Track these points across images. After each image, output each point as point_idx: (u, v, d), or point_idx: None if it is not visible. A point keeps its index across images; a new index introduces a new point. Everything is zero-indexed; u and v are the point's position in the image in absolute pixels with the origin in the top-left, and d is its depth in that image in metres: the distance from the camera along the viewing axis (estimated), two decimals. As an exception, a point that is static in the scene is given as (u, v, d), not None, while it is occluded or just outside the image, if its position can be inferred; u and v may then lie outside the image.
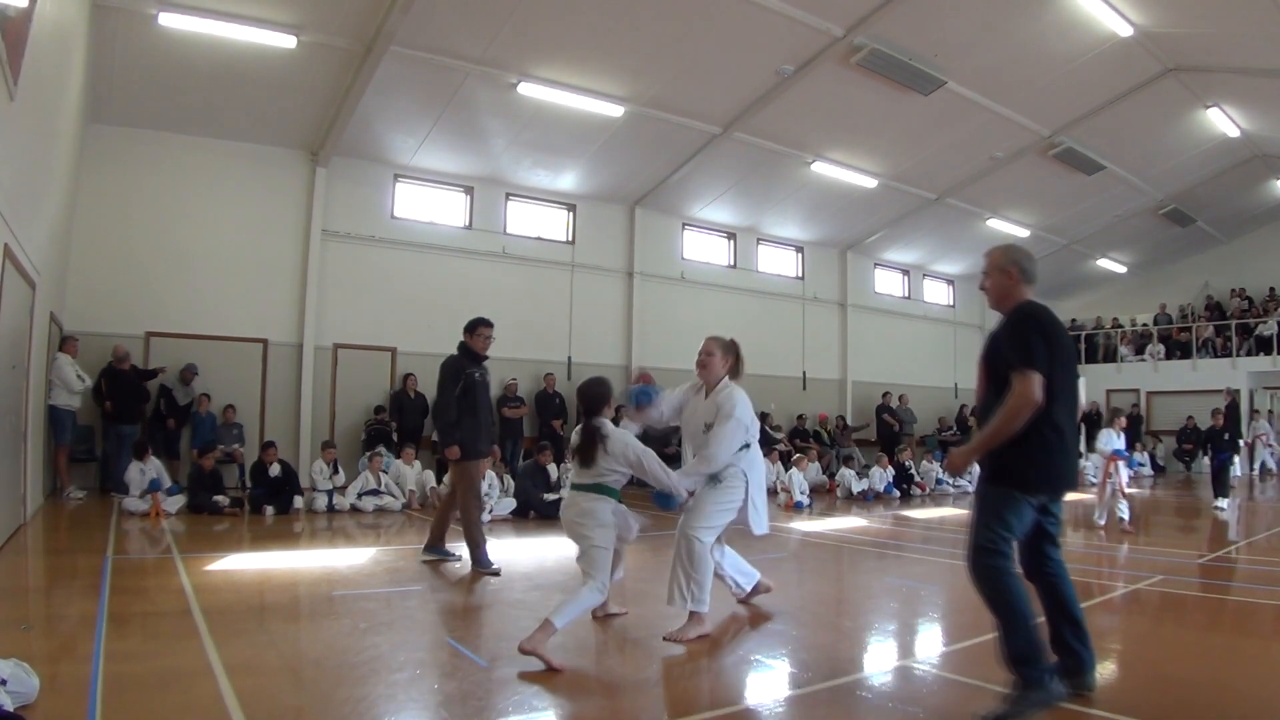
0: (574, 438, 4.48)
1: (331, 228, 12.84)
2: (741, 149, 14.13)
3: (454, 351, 6.71)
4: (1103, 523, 9.39)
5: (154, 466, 9.37)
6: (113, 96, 10.73)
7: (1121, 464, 9.55)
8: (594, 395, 4.42)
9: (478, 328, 6.70)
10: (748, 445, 4.76)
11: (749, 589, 5.16)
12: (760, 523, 4.84)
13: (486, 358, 6.81)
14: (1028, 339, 3.31)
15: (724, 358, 4.89)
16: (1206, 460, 13.44)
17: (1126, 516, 9.24)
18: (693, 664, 4.07)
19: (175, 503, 9.22)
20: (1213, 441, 12.28)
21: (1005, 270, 3.57)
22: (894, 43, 11.36)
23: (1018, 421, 3.23)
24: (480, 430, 6.65)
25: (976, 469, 3.55)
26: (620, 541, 4.42)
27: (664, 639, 4.34)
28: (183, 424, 11.36)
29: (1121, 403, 20.06)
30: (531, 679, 3.67)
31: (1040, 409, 3.22)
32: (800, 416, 17.23)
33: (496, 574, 6.17)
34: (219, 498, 9.42)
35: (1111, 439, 9.68)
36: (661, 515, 10.56)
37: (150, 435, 10.80)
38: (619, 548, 4.50)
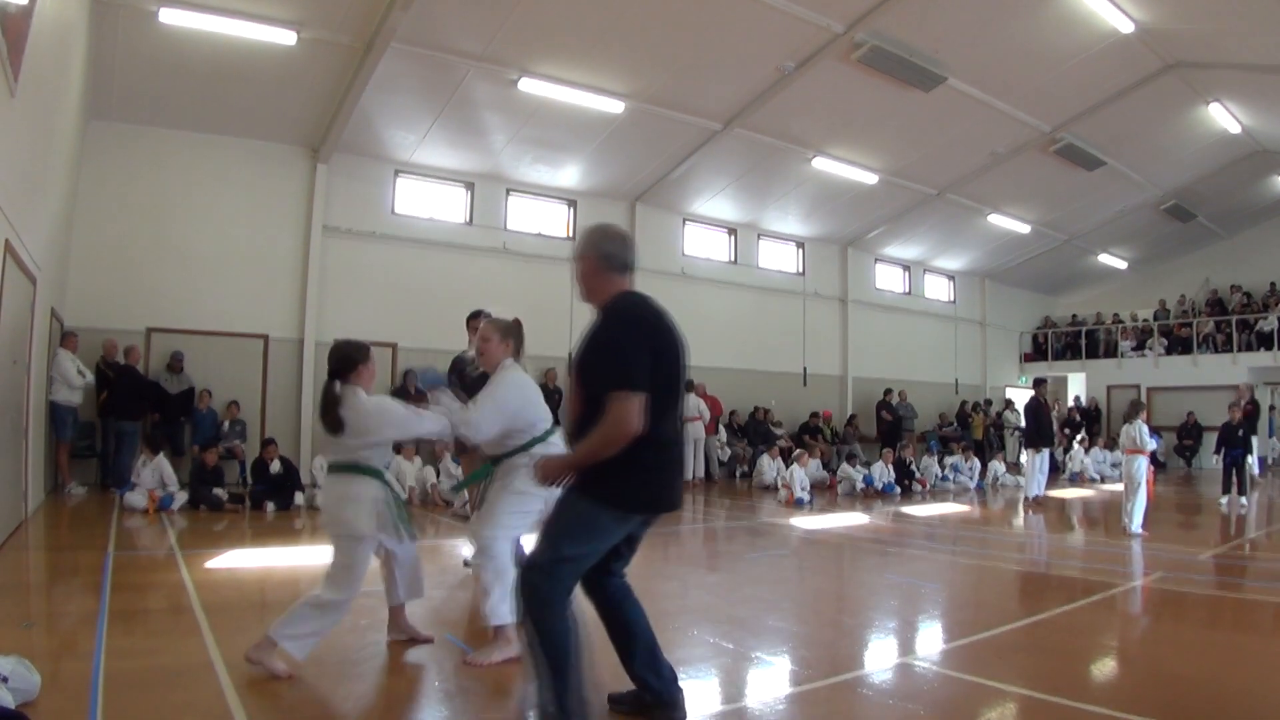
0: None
1: (332, 224, 12.83)
2: (742, 145, 14.11)
3: (458, 350, 6.55)
4: (1139, 529, 8.67)
5: (161, 468, 9.36)
6: (113, 93, 10.70)
7: (1144, 460, 8.99)
8: (339, 355, 3.92)
9: (467, 324, 6.26)
10: (543, 439, 4.21)
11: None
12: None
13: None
14: (625, 352, 2.79)
15: (502, 341, 4.44)
16: (1215, 458, 13.23)
17: (1141, 520, 8.73)
18: (693, 662, 4.08)
19: (178, 500, 9.21)
20: (1228, 439, 12.22)
21: (583, 258, 3.05)
22: (895, 39, 11.33)
23: (613, 449, 2.74)
24: None
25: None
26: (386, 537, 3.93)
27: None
28: (176, 414, 11.31)
29: (1121, 399, 20.08)
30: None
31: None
32: (815, 415, 17.23)
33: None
34: (218, 491, 9.43)
35: (1145, 433, 9.06)
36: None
37: (153, 432, 10.80)
38: (395, 549, 4.04)
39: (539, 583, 2.78)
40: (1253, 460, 14.23)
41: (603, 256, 3.02)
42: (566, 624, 2.79)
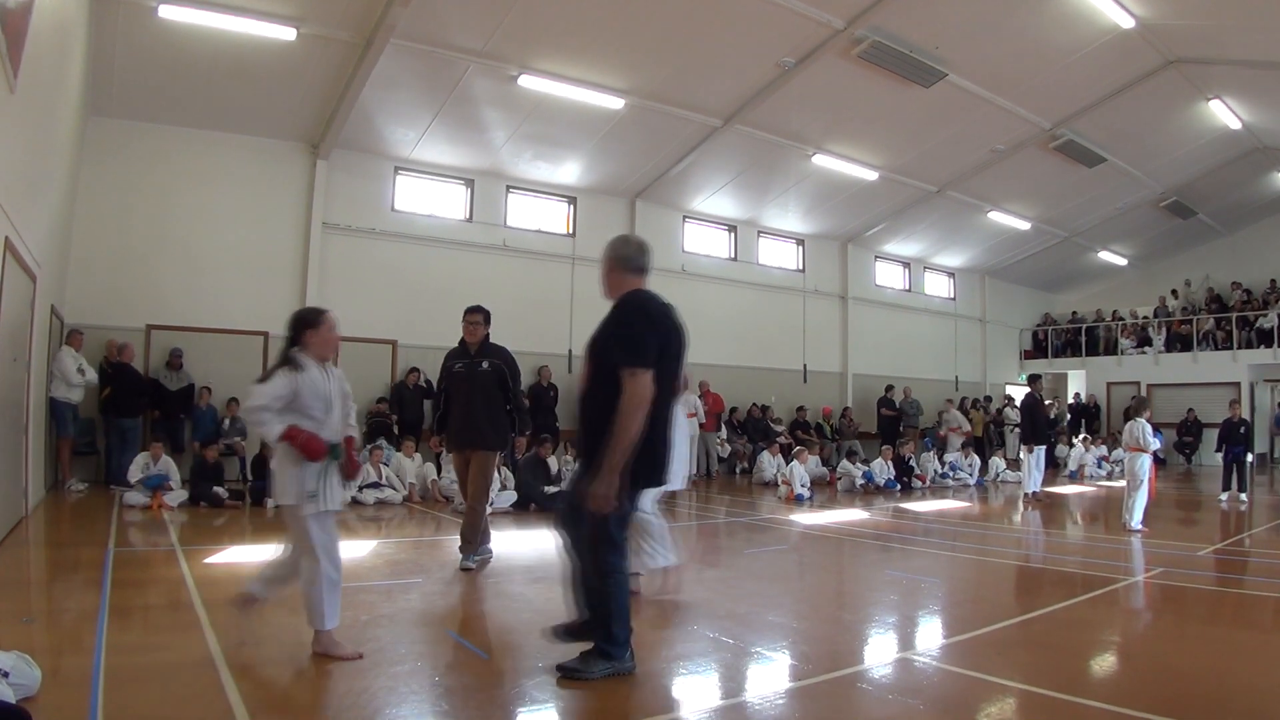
0: None
1: (332, 220, 12.82)
2: (742, 141, 14.10)
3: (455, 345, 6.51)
4: (1139, 525, 8.62)
5: (163, 464, 9.37)
6: (113, 89, 10.69)
7: (1147, 457, 8.93)
8: (295, 319, 3.98)
9: (462, 318, 6.38)
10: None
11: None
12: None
13: (475, 347, 6.28)
14: (638, 335, 3.36)
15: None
16: (1218, 455, 13.17)
17: (1141, 516, 8.69)
18: (693, 657, 4.08)
19: (177, 496, 9.22)
20: (1229, 435, 12.18)
21: (606, 262, 3.68)
22: (895, 35, 11.32)
23: (636, 423, 3.28)
24: (458, 423, 6.25)
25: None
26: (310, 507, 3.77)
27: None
28: (176, 411, 11.29)
29: (1121, 396, 20.09)
30: (531, 672, 3.68)
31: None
32: (801, 409, 17.26)
33: (468, 569, 6.01)
34: (219, 489, 9.42)
35: (1148, 432, 9.01)
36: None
37: (153, 429, 10.80)
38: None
39: (611, 557, 3.45)
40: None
41: (619, 259, 3.65)
42: (626, 579, 3.55)
